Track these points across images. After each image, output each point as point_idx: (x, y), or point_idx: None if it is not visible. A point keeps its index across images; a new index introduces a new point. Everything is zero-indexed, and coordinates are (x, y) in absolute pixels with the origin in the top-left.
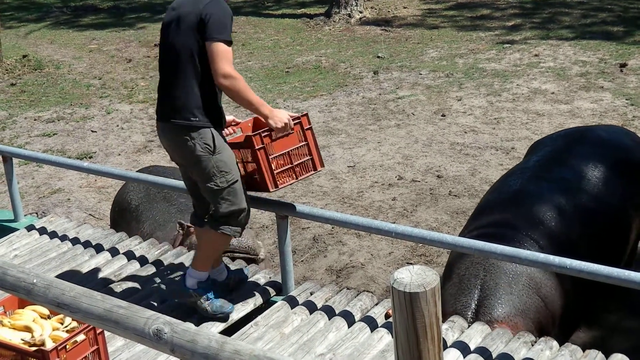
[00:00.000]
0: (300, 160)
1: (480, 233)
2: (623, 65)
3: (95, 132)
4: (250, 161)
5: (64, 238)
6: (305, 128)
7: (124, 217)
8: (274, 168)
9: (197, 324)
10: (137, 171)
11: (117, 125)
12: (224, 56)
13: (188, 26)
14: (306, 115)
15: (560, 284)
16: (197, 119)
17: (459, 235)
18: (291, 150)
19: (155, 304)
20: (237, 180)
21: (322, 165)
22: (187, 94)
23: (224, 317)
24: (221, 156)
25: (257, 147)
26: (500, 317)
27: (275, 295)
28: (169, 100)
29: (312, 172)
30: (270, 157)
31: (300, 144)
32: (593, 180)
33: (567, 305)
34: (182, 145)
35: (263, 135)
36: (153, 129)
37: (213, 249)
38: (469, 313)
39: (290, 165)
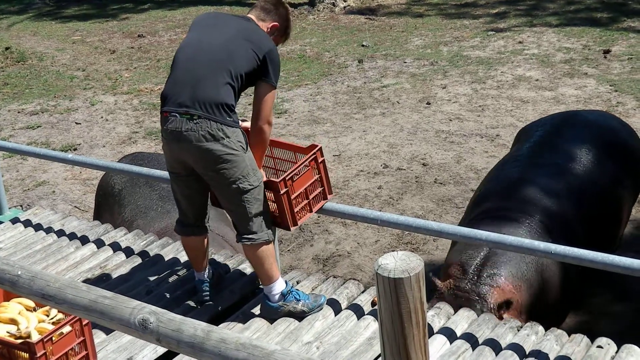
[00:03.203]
0: (314, 194)
1: (485, 217)
2: (607, 52)
3: (80, 124)
4: (272, 200)
5: (49, 230)
6: (319, 161)
7: (107, 201)
8: (294, 208)
9: (184, 314)
10: (121, 158)
11: (102, 117)
12: (272, 101)
13: (254, 50)
14: (320, 148)
15: (561, 270)
16: (232, 119)
17: (458, 224)
18: (307, 186)
19: (142, 294)
20: (262, 178)
21: (331, 192)
22: (226, 95)
23: (320, 308)
24: (250, 154)
25: (282, 192)
26: (505, 275)
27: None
28: (204, 97)
29: (324, 202)
30: (292, 197)
31: (315, 178)
32: (587, 163)
33: (563, 292)
34: (215, 144)
35: (287, 179)
36: (137, 120)
37: (267, 261)
38: (473, 265)
39: (307, 201)
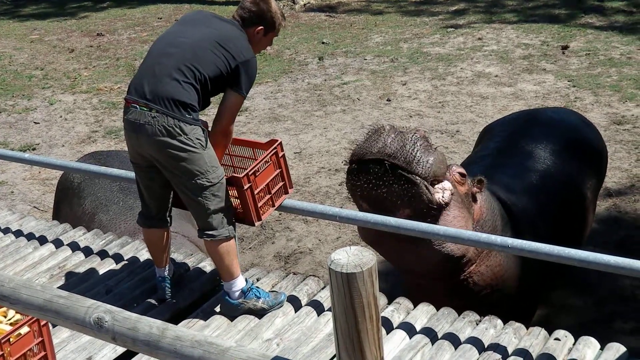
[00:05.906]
0: (276, 189)
1: None
2: (565, 48)
3: (38, 123)
4: (235, 197)
5: (6, 231)
6: (279, 156)
7: (66, 195)
8: (258, 202)
9: (144, 313)
10: (80, 157)
11: (61, 116)
12: (236, 111)
13: (227, 58)
14: (280, 143)
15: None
16: (192, 116)
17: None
18: (269, 181)
19: (101, 294)
20: (223, 175)
21: (291, 186)
22: (186, 94)
23: (280, 305)
24: (211, 151)
25: (245, 188)
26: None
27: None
28: (164, 92)
29: (285, 196)
30: (255, 192)
31: (276, 173)
32: (551, 163)
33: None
34: (171, 140)
35: (250, 174)
36: (97, 119)
37: (228, 257)
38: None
39: (269, 196)
